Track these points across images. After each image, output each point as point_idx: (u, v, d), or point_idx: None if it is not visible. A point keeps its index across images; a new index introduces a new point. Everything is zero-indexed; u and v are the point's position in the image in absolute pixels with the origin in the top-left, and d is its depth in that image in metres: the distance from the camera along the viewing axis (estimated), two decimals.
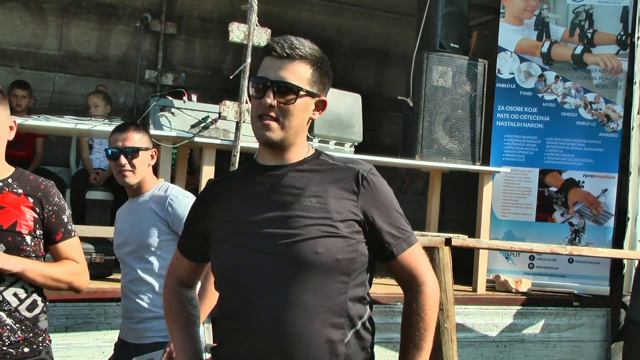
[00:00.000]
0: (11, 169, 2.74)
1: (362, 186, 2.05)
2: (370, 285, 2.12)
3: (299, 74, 2.03)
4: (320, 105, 2.10)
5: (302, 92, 2.03)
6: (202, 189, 2.32)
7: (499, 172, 6.12)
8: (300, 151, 2.10)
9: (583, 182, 6.24)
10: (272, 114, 2.01)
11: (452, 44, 6.19)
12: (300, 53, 2.03)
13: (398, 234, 2.09)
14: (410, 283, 2.12)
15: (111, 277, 4.83)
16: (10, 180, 2.70)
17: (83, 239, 2.97)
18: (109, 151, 3.33)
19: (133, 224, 3.32)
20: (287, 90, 2.01)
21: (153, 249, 3.25)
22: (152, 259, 3.25)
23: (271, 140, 2.02)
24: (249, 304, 1.97)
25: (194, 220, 2.23)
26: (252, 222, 2.01)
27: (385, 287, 4.97)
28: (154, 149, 3.44)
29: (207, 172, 4.77)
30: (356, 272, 2.02)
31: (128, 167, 3.29)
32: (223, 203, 2.12)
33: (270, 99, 2.00)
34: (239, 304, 2.00)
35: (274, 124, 2.01)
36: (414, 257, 2.12)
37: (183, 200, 3.26)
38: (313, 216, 1.98)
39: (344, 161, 2.12)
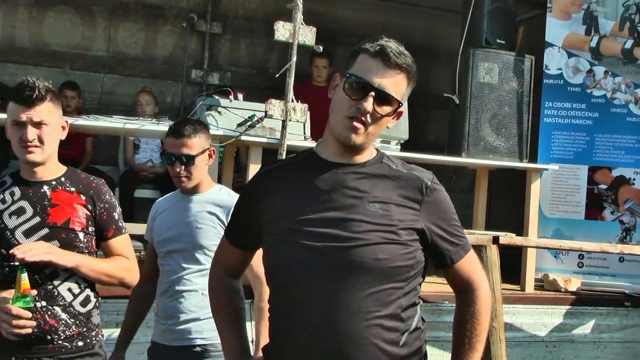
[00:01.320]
0: (64, 168, 2.81)
1: (426, 195, 2.05)
2: (421, 288, 2.13)
3: (400, 87, 2.00)
4: (397, 115, 2.08)
5: (398, 107, 2.01)
6: (254, 174, 2.28)
7: (547, 169, 6.04)
8: (367, 153, 2.08)
9: (634, 179, 6.12)
10: (364, 119, 1.97)
11: (498, 40, 6.13)
12: (405, 65, 1.99)
13: (457, 242, 2.11)
14: (466, 288, 2.15)
15: None
16: (63, 179, 2.77)
17: (132, 237, 3.00)
18: (165, 156, 3.26)
19: (187, 222, 3.21)
20: (387, 102, 1.99)
21: (207, 251, 3.15)
22: (204, 260, 3.15)
23: (353, 144, 2.00)
24: (304, 305, 1.96)
25: (246, 207, 2.19)
26: (312, 220, 1.99)
27: (431, 286, 4.93)
28: (212, 149, 3.34)
29: (254, 171, 4.76)
30: (412, 279, 2.03)
31: (184, 173, 3.20)
32: (279, 193, 2.08)
33: (370, 107, 1.96)
34: (293, 304, 1.99)
35: (362, 129, 1.98)
36: (471, 263, 2.16)
37: None
38: (375, 222, 1.97)
39: (407, 168, 2.11)
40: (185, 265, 3.18)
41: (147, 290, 3.34)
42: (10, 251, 2.52)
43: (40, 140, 2.67)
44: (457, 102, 5.91)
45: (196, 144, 3.22)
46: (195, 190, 3.27)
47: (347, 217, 1.98)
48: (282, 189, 2.09)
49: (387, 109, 1.99)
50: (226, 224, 3.14)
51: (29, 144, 2.65)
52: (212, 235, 3.16)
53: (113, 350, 3.31)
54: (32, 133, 2.64)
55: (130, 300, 3.41)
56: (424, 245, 2.05)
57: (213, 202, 3.23)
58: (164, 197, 3.51)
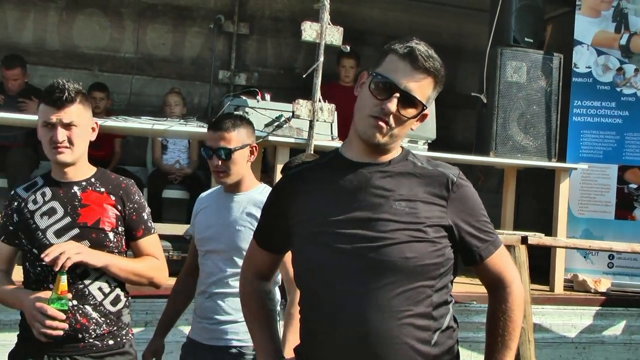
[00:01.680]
0: (93, 169, 2.84)
1: (452, 191, 2.04)
2: (452, 286, 2.12)
3: (425, 91, 2.00)
4: (422, 118, 2.06)
5: (423, 110, 2.01)
6: (281, 177, 2.28)
7: (576, 168, 5.99)
8: (392, 153, 2.08)
9: None
10: (388, 119, 1.97)
11: (526, 39, 6.09)
12: (433, 69, 1.99)
13: (485, 238, 2.09)
14: (497, 285, 2.13)
15: None
16: (93, 180, 2.80)
17: (161, 237, 3.00)
18: (204, 149, 3.17)
19: (226, 222, 3.12)
20: (412, 105, 1.98)
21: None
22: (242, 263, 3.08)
23: (377, 143, 2.00)
24: (335, 306, 1.96)
25: (274, 210, 2.20)
26: (340, 222, 1.99)
27: (460, 286, 4.92)
28: (254, 145, 3.21)
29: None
30: (442, 276, 2.02)
31: (222, 168, 3.09)
32: (306, 195, 2.09)
33: (393, 107, 1.95)
34: (324, 305, 2.00)
35: (386, 129, 1.97)
36: (501, 259, 2.13)
37: None
38: (402, 220, 1.97)
39: (432, 165, 2.10)
40: (223, 267, 3.09)
41: (188, 285, 3.30)
42: (42, 256, 2.54)
43: (70, 141, 2.69)
44: (485, 101, 5.88)
45: (235, 137, 3.11)
46: (237, 188, 3.17)
47: (374, 217, 1.97)
48: (309, 190, 2.10)
49: (411, 112, 1.99)
50: None
51: (58, 144, 2.68)
52: (250, 237, 3.08)
53: (152, 336, 3.32)
54: (62, 134, 2.67)
55: (171, 295, 3.38)
56: (452, 242, 2.04)
57: (254, 202, 3.11)
58: (208, 191, 3.41)
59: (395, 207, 1.98)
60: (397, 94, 1.96)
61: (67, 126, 2.68)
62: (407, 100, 1.97)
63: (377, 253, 1.94)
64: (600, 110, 6.21)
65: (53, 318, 2.52)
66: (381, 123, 1.97)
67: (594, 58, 6.21)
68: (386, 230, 1.96)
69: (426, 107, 2.01)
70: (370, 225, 1.97)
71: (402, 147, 2.13)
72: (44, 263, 2.56)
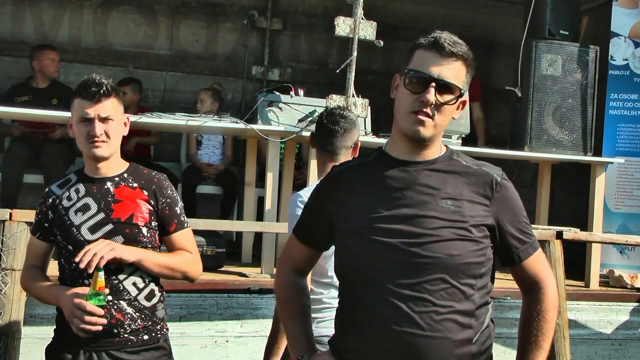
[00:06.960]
0: (126, 164, 2.86)
1: (496, 191, 2.06)
2: (493, 285, 2.14)
3: (459, 74, 2.02)
4: (461, 105, 2.08)
5: (461, 95, 2.02)
6: (325, 175, 2.30)
7: (612, 162, 5.91)
8: (435, 148, 2.09)
9: None
10: (429, 111, 1.99)
11: (561, 31, 6.01)
12: (461, 52, 2.01)
13: (525, 239, 2.11)
14: (533, 286, 2.15)
15: (222, 269, 4.97)
16: (125, 175, 2.82)
17: (194, 232, 3.02)
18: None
19: None
20: (449, 91, 2.00)
21: None
22: None
23: (422, 137, 2.02)
24: (378, 299, 1.98)
25: (318, 207, 2.22)
26: (385, 218, 2.01)
27: (494, 282, 4.88)
28: None
29: (315, 167, 4.81)
30: (483, 276, 2.04)
31: None
32: (351, 193, 2.11)
33: (432, 97, 1.98)
34: (366, 297, 2.01)
35: (429, 121, 2.00)
36: (539, 261, 2.15)
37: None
38: (448, 218, 1.99)
39: (477, 164, 2.12)
40: None
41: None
42: (76, 260, 2.57)
43: (107, 135, 2.72)
44: (520, 95, 5.83)
45: None
46: None
47: (420, 214, 2.00)
48: (353, 188, 2.12)
49: (449, 98, 2.01)
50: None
51: (96, 139, 2.70)
52: None
53: None
54: (99, 128, 2.69)
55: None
56: (493, 242, 2.06)
57: None
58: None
59: (442, 205, 2.01)
60: (433, 84, 1.98)
61: (104, 120, 2.71)
62: (443, 87, 1.99)
63: (422, 249, 1.97)
64: (638, 104, 6.13)
65: (92, 314, 2.55)
66: (422, 117, 1.99)
67: (631, 50, 6.12)
68: (432, 228, 1.98)
69: (463, 91, 2.03)
70: (417, 221, 1.99)
71: (446, 146, 2.14)
72: (80, 266, 2.59)
